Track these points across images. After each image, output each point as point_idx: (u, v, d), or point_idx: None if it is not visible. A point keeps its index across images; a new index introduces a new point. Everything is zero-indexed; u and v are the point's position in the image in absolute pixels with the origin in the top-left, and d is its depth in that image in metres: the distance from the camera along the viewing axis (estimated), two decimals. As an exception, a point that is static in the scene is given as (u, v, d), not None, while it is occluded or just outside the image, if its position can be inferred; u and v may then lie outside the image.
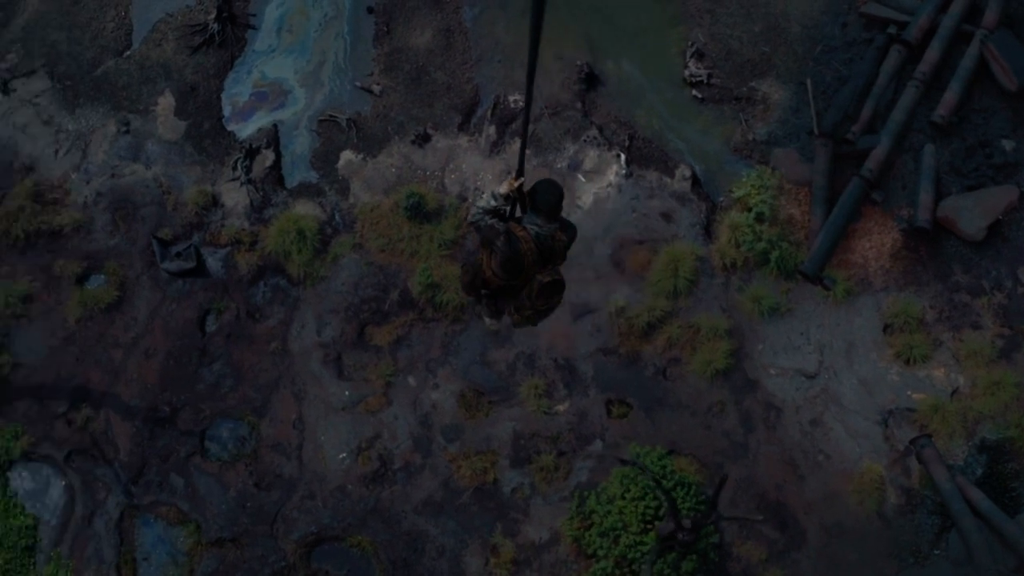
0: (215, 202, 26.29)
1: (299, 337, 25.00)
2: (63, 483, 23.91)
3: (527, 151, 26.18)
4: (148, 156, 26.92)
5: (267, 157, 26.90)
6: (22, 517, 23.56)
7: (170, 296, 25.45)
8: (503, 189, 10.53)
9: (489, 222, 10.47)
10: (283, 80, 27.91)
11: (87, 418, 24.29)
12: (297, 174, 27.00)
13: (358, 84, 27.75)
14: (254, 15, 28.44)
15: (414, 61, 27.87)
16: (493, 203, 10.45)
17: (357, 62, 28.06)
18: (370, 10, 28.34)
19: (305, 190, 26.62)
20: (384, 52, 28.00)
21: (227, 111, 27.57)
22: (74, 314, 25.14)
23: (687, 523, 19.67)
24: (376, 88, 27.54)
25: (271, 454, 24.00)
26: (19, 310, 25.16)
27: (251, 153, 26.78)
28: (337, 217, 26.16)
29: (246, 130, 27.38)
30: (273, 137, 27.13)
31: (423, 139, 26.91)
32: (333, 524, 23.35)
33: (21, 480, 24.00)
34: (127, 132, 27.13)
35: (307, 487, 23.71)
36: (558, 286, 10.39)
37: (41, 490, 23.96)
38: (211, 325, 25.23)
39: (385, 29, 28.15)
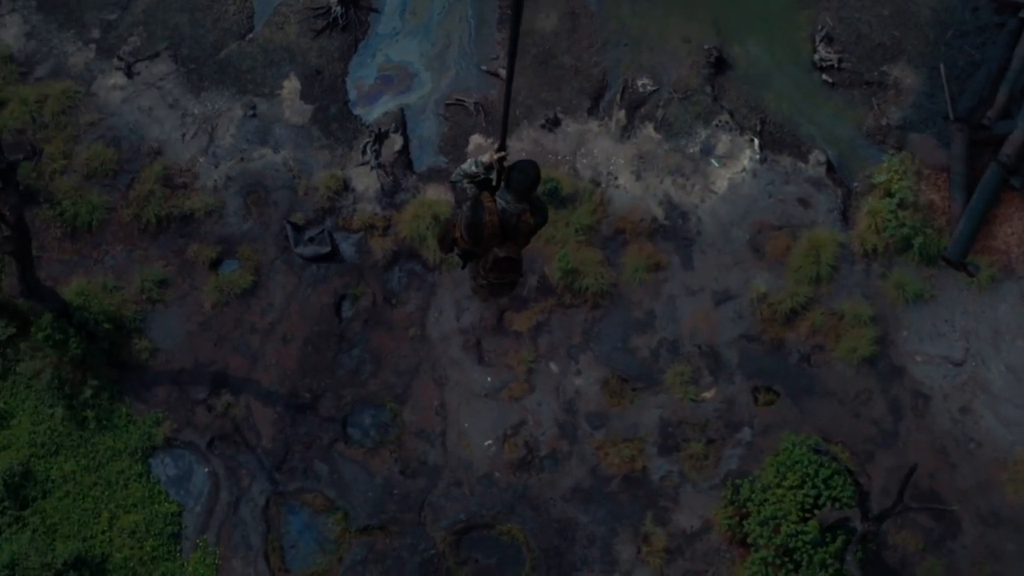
0: (346, 187, 26.07)
1: (437, 323, 24.81)
2: (206, 470, 23.78)
3: (659, 134, 25.93)
4: (276, 140, 26.69)
5: (396, 141, 26.67)
6: (167, 504, 23.43)
7: (305, 281, 25.26)
8: (485, 159, 10.60)
9: (465, 185, 10.52)
10: (408, 63, 27.63)
11: (228, 404, 24.14)
12: (425, 158, 26.76)
13: (484, 68, 27.48)
14: (377, -2, 28.15)
15: (540, 45, 27.57)
16: (475, 169, 10.50)
17: (482, 45, 27.78)
18: (495, -7, 28.02)
19: (435, 175, 26.38)
20: (509, 36, 27.63)
21: (352, 95, 27.32)
22: (210, 299, 24.97)
23: (870, 513, 19.49)
24: (503, 72, 27.22)
25: (415, 441, 23.84)
26: (155, 295, 24.99)
27: (380, 137, 26.53)
28: (469, 202, 25.86)
29: (372, 114, 27.13)
30: (400, 121, 26.88)
31: (553, 123, 26.65)
32: (481, 512, 23.21)
33: (164, 467, 23.88)
34: (254, 116, 26.90)
35: (453, 474, 23.56)
36: (512, 264, 10.26)
37: (184, 477, 23.83)
38: (347, 310, 25.04)
39: (510, 12, 27.74)
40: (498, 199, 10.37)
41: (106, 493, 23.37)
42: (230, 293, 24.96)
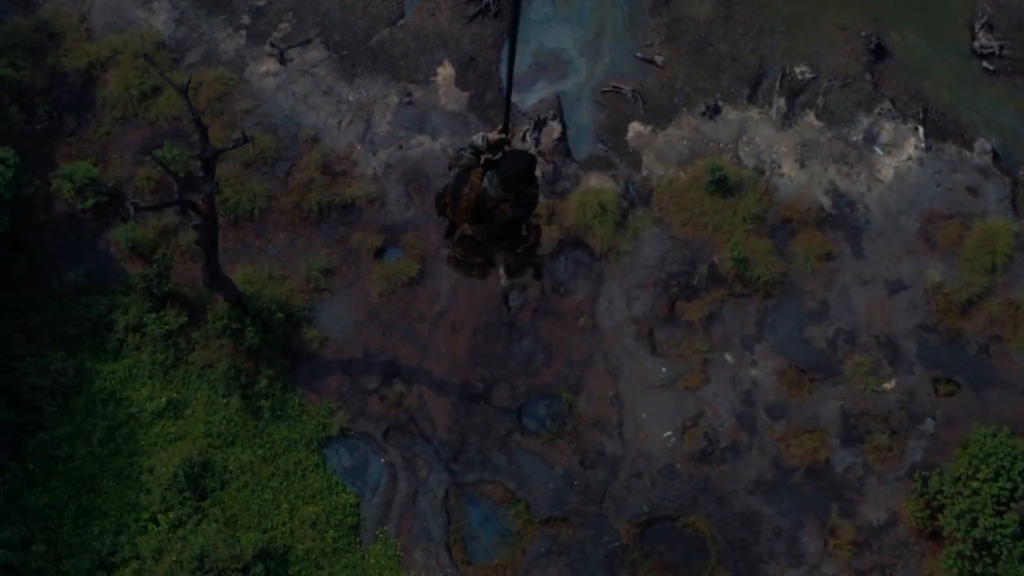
0: (507, 175, 25.74)
1: (608, 312, 24.59)
2: (382, 460, 23.62)
3: (820, 122, 25.64)
4: (433, 127, 26.43)
5: (554, 129, 26.39)
6: (344, 495, 23.27)
7: (471, 271, 24.97)
8: (492, 136, 10.32)
9: (467, 155, 10.27)
10: (562, 50, 27.34)
11: (400, 394, 23.95)
12: (584, 146, 26.50)
13: (639, 55, 27.17)
14: (526, -17, 27.78)
15: (695, 31, 27.26)
16: (480, 143, 10.20)
17: (635, 32, 27.47)
18: (645, -21, 27.67)
19: (595, 162, 26.12)
20: (663, 22, 27.38)
21: (505, 81, 26.92)
22: (377, 288, 24.75)
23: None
24: (659, 59, 26.95)
25: (592, 431, 23.65)
26: (321, 283, 24.78)
27: (539, 125, 26.25)
28: (631, 190, 25.68)
29: (528, 100, 26.86)
30: (557, 108, 26.59)
31: (713, 111, 26.36)
32: (664, 504, 23.03)
33: (339, 457, 23.71)
34: (410, 103, 26.63)
35: (632, 465, 23.37)
36: (476, 246, 9.91)
37: (360, 467, 23.67)
38: (515, 300, 24.76)
39: (664, -1, 27.51)
40: (485, 179, 10.06)
41: (284, 484, 23.21)
42: (396, 282, 24.73)
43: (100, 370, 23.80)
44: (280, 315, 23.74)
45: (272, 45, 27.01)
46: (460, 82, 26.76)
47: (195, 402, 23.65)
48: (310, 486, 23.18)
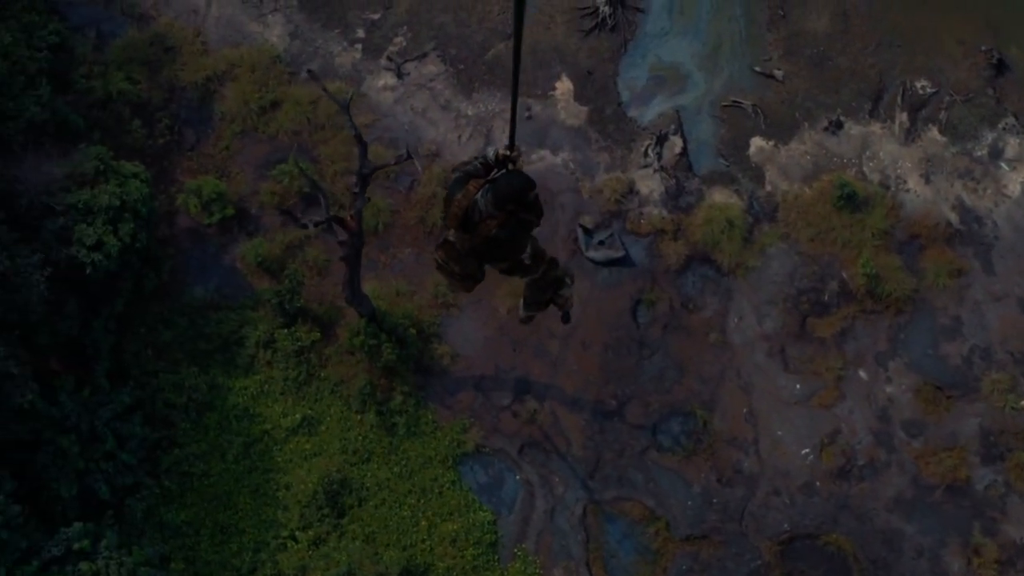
0: (630, 189, 25.71)
1: (738, 328, 24.49)
2: (518, 477, 23.51)
3: (944, 137, 25.55)
4: (554, 141, 26.34)
5: (675, 144, 26.31)
6: (482, 512, 23.18)
7: (598, 285, 24.94)
8: (499, 151, 10.16)
9: (476, 164, 10.12)
10: (680, 64, 27.26)
11: (533, 410, 23.86)
12: (704, 160, 26.41)
13: (757, 69, 27.09)
14: (642, -3, 27.75)
15: (814, 46, 27.18)
16: (491, 157, 10.06)
17: (753, 46, 27.38)
18: (761, -7, 27.60)
19: (717, 178, 26.04)
20: (781, 36, 27.31)
21: (625, 96, 26.96)
22: (505, 304, 24.65)
23: None
24: (778, 73, 26.88)
25: (727, 448, 23.55)
26: (449, 299, 24.67)
27: (660, 139, 26.17)
28: (756, 206, 25.60)
29: (647, 115, 26.78)
30: (678, 123, 26.51)
31: (835, 126, 26.29)
32: (804, 521, 22.93)
33: (474, 474, 23.60)
34: (529, 117, 26.55)
35: (771, 483, 23.27)
36: (454, 254, 9.78)
37: (495, 484, 23.57)
38: (643, 316, 24.72)
39: (780, 13, 27.43)
40: (480, 192, 9.93)
41: (422, 501, 23.11)
42: (525, 298, 24.55)
43: (232, 386, 23.70)
44: (413, 331, 23.65)
45: (389, 59, 26.95)
46: (579, 96, 26.68)
47: (328, 418, 23.55)
48: (447, 503, 23.08)
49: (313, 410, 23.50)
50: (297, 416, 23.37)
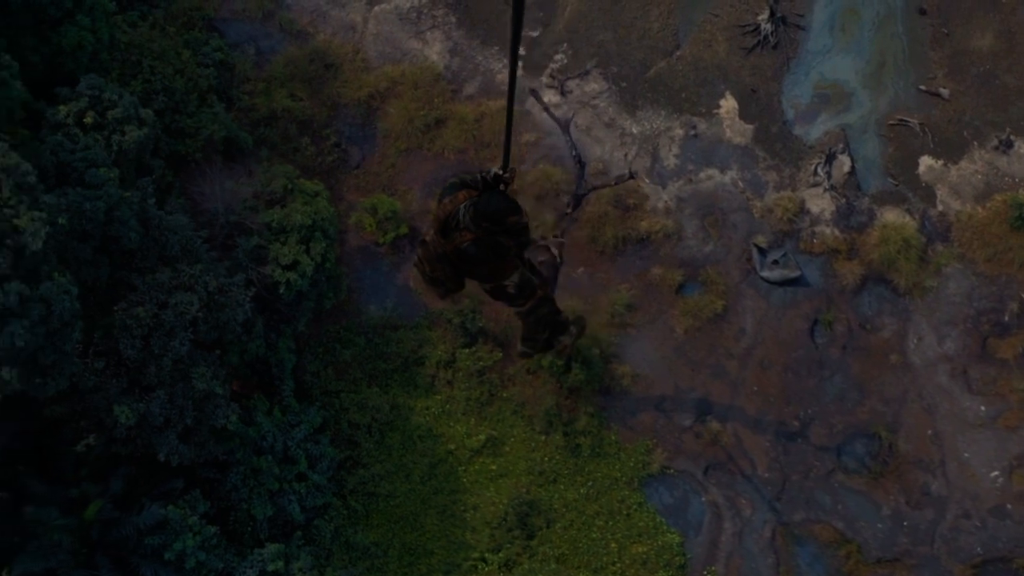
0: (801, 208, 25.59)
1: (918, 350, 24.33)
2: (703, 499, 23.36)
3: None
4: (721, 160, 26.23)
5: (844, 163, 26.17)
6: (669, 534, 23.04)
7: (773, 305, 24.81)
8: (494, 171, 10.07)
9: (476, 177, 10.01)
10: (844, 82, 27.12)
11: (716, 431, 23.72)
12: (873, 180, 26.26)
13: (922, 88, 26.93)
14: (802, 15, 27.62)
15: (979, 64, 27.02)
16: (489, 174, 9.93)
17: (916, 64, 27.23)
18: (922, 11, 27.46)
19: (887, 197, 25.88)
20: (945, 55, 27.15)
21: (790, 114, 26.82)
22: (681, 324, 24.54)
23: None
24: (944, 91, 26.73)
25: (914, 470, 23.39)
26: (626, 319, 24.56)
27: (829, 158, 26.05)
28: (928, 225, 25.43)
29: (812, 134, 26.64)
30: (845, 142, 26.38)
31: (1006, 145, 26.14)
32: (997, 545, 22.75)
33: (659, 496, 23.46)
34: (695, 135, 26.44)
35: (960, 506, 23.09)
36: (428, 255, 9.65)
37: (680, 506, 23.42)
38: (821, 336, 24.57)
39: (943, 31, 27.28)
40: (464, 204, 9.80)
41: (610, 523, 22.98)
42: (700, 318, 24.51)
43: (413, 406, 23.61)
44: (597, 351, 23.54)
45: (551, 77, 26.85)
46: (744, 114, 26.57)
47: (512, 439, 23.44)
48: (635, 525, 22.95)
49: (496, 430, 23.39)
50: (481, 436, 23.27)
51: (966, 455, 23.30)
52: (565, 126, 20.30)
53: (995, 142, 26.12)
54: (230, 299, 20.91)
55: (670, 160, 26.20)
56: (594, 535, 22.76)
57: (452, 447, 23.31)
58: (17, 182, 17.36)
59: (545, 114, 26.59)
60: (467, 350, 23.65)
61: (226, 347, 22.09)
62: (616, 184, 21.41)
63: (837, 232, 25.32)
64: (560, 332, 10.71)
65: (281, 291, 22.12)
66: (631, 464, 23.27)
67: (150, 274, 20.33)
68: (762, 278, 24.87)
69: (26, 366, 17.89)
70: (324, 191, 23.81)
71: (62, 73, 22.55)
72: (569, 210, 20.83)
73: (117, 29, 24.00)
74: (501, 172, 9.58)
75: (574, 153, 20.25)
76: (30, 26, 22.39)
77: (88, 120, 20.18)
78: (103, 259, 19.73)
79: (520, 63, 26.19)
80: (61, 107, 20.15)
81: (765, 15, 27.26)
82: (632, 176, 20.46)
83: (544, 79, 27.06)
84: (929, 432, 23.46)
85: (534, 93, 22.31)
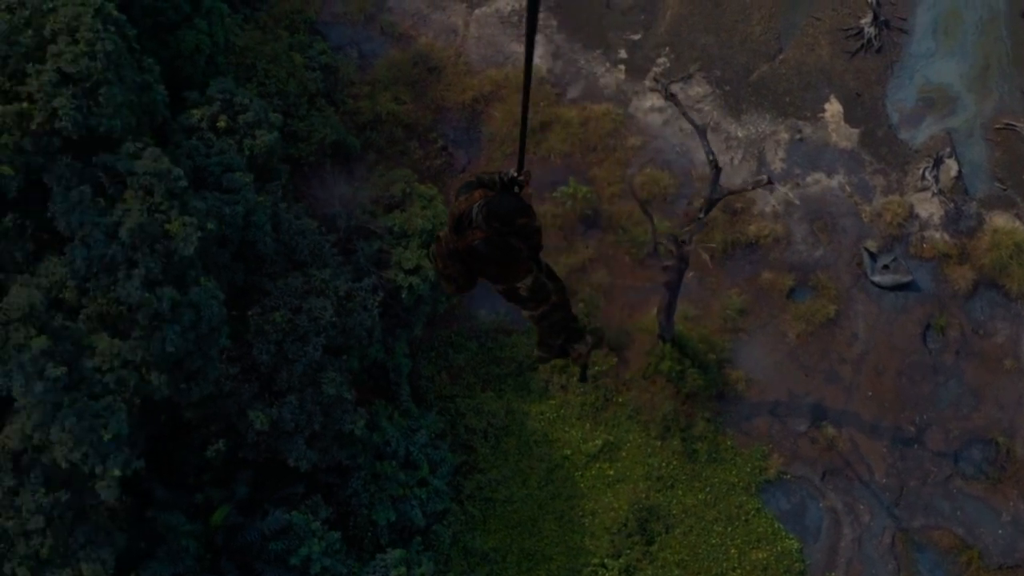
0: (910, 213, 25.46)
1: (1033, 355, 24.19)
2: (821, 504, 23.26)
3: None
4: (828, 164, 26.12)
5: (951, 167, 26.03)
6: (788, 540, 22.94)
7: (885, 310, 24.69)
8: (510, 172, 10.04)
9: (494, 177, 9.95)
10: (948, 85, 26.96)
11: (831, 437, 23.62)
12: (979, 184, 26.12)
13: (1027, 91, 26.76)
14: (904, 18, 27.49)
15: (1084, 67, 26.84)
16: (506, 175, 9.87)
17: (1021, 67, 27.06)
18: (1025, 14, 27.31)
19: (996, 201, 25.75)
20: (1050, 57, 26.99)
21: (894, 117, 26.69)
22: (793, 329, 24.44)
23: None
24: (1050, 95, 26.53)
25: (1033, 477, 23.23)
26: (738, 324, 24.47)
27: (936, 162, 25.91)
28: (1039, 230, 25.27)
29: (918, 137, 26.50)
30: (951, 146, 26.23)
31: (1115, 149, 25.92)
32: (1121, 551, 22.57)
33: (776, 501, 23.37)
34: (800, 140, 26.34)
35: (1082, 512, 22.93)
36: (439, 247, 9.68)
37: (798, 512, 23.32)
38: (933, 341, 24.44)
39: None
40: (483, 203, 9.81)
41: (729, 528, 22.90)
42: (813, 323, 24.41)
43: (528, 411, 23.58)
44: (713, 357, 23.47)
45: (655, 80, 26.75)
46: (849, 118, 26.47)
47: (628, 444, 23.38)
48: (754, 531, 22.86)
49: (612, 436, 23.35)
50: (598, 441, 23.22)
51: (1086, 462, 23.14)
52: (703, 131, 20.25)
53: (1105, 146, 25.90)
54: (357, 304, 20.91)
55: (776, 164, 26.10)
56: (713, 541, 22.68)
57: (568, 452, 23.27)
58: (168, 187, 17.40)
59: (649, 117, 26.54)
60: (581, 355, 23.52)
61: (348, 352, 22.08)
62: (752, 189, 21.35)
63: (947, 237, 25.19)
64: (575, 339, 10.77)
65: (403, 296, 22.11)
66: (748, 469, 23.18)
67: (281, 279, 20.35)
68: (873, 283, 24.77)
69: (174, 371, 17.92)
70: (439, 195, 23.79)
71: (180, 77, 22.58)
72: (701, 215, 20.75)
73: (231, 32, 24.03)
74: (516, 174, 9.71)
75: (711, 158, 20.17)
76: (149, 30, 22.44)
77: (221, 124, 20.21)
78: (239, 264, 19.76)
79: (622, 66, 26.21)
80: (194, 111, 20.18)
81: (868, 19, 27.15)
82: (770, 181, 20.38)
83: (647, 83, 26.99)
84: (1047, 438, 23.31)
85: (672, 97, 22.28)
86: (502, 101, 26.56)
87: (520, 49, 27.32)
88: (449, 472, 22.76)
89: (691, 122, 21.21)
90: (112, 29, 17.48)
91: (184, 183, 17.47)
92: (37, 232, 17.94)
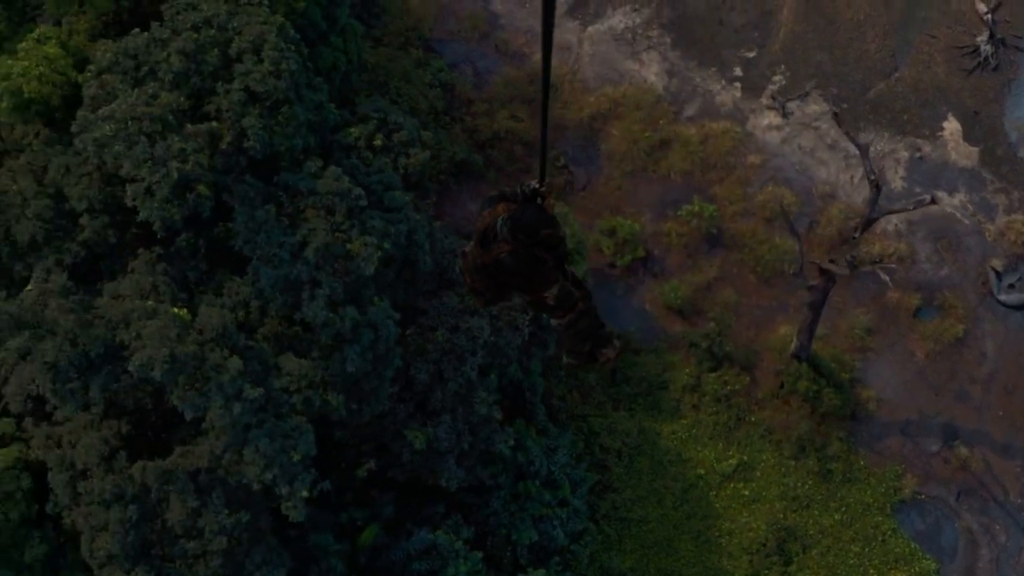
0: (1037, 233, 25.47)
1: None
2: (956, 525, 23.18)
3: None
4: (948, 183, 26.10)
5: (1073, 186, 26.03)
6: (925, 561, 22.86)
7: (1012, 329, 24.67)
8: (532, 184, 10.16)
9: (516, 190, 10.08)
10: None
11: (964, 457, 23.55)
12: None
13: None
14: (1020, 37, 27.51)
15: None
16: (528, 188, 9.98)
17: None
18: None
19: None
20: None
21: (1013, 136, 26.70)
22: (921, 348, 24.40)
23: None
24: None
25: None
26: (865, 343, 24.42)
27: (1065, 178, 25.92)
28: None
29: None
30: (1077, 166, 26.25)
31: None
32: None
33: (911, 521, 23.29)
34: (920, 158, 26.33)
35: None
36: (467, 262, 9.83)
37: (932, 532, 23.25)
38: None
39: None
40: (503, 217, 9.94)
41: (866, 549, 22.82)
42: (941, 342, 24.36)
43: (660, 431, 23.49)
44: (846, 376, 23.42)
45: (772, 98, 26.78)
46: (968, 136, 26.46)
47: (762, 464, 23.31)
48: (891, 551, 22.79)
49: (746, 455, 23.25)
50: (732, 461, 23.14)
51: None
52: (864, 150, 20.22)
53: None
54: (506, 323, 20.85)
55: (897, 183, 26.09)
56: (851, 561, 22.60)
57: (702, 472, 23.20)
58: (350, 206, 17.35)
59: (768, 135, 26.56)
60: (713, 374, 23.55)
61: (490, 371, 22.01)
62: (913, 209, 21.30)
63: (1068, 255, 25.14)
64: (602, 345, 10.84)
65: (542, 315, 21.99)
66: (882, 489, 23.12)
67: (436, 297, 20.29)
68: (999, 302, 24.71)
69: (349, 392, 17.85)
70: (569, 213, 23.76)
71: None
72: (857, 234, 20.72)
73: (364, 50, 24.02)
74: (538, 186, 9.84)
75: (872, 177, 20.16)
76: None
77: (377, 142, 20.18)
78: (400, 283, 19.70)
79: (738, 84, 26.21)
80: (352, 129, 20.13)
81: (984, 36, 27.17)
82: (933, 201, 20.34)
83: (764, 100, 26.99)
84: None
85: (835, 116, 22.29)
86: (620, 119, 26.56)
87: (635, 67, 27.37)
88: (586, 492, 22.66)
89: (853, 141, 21.20)
90: (292, 48, 17.44)
91: (364, 202, 17.42)
92: (209, 250, 17.89)
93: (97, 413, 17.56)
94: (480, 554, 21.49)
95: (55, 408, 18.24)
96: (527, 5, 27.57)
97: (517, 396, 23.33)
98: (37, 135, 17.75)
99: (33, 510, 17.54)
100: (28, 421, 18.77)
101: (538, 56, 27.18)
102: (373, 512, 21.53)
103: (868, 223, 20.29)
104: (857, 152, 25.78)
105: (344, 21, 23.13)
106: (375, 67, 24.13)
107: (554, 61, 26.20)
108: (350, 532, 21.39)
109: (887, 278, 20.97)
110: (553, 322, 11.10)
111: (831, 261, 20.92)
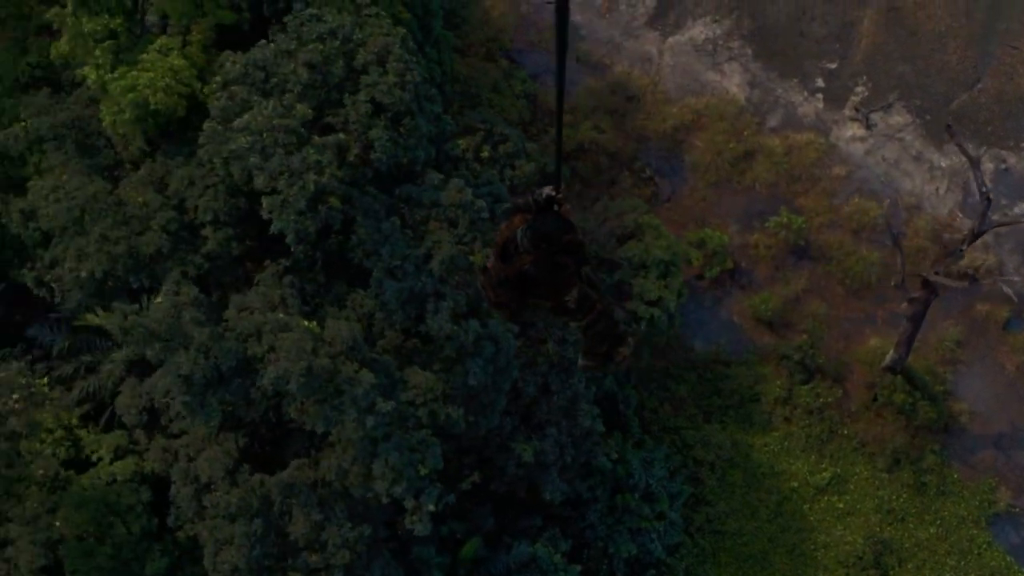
0: (1124, 245, 25.35)
1: None
2: (1052, 539, 23.06)
3: None
4: (1035, 195, 26.02)
5: None
6: (1021, 575, 22.71)
7: (1105, 343, 24.54)
8: (546, 191, 10.08)
9: (529, 200, 9.98)
10: None
11: (1059, 471, 23.41)
12: None
13: None
14: (1102, 48, 27.41)
15: None
16: (541, 196, 9.89)
17: None
18: None
19: None
20: None
21: (1097, 149, 26.59)
22: (1012, 360, 24.30)
23: None
24: None
25: None
26: (955, 355, 24.32)
27: None
28: None
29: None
30: None
31: None
32: None
33: (1006, 535, 23.17)
34: (1006, 169, 26.24)
35: None
36: (488, 277, 9.76)
37: (1027, 545, 23.13)
38: None
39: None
40: (522, 228, 9.88)
41: (962, 563, 22.72)
42: (1030, 354, 24.25)
43: (752, 443, 23.41)
44: (940, 387, 23.33)
45: (855, 109, 26.72)
46: (1054, 149, 26.33)
47: (856, 476, 23.22)
48: (987, 565, 22.69)
49: (839, 468, 23.17)
50: (826, 474, 23.05)
51: None
52: (976, 162, 20.15)
53: None
54: (611, 335, 20.75)
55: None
56: (947, 575, 22.45)
57: (795, 484, 23.11)
58: (472, 218, 17.32)
59: (852, 146, 26.50)
60: (805, 387, 23.49)
61: (589, 384, 21.94)
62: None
63: None
64: (619, 344, 10.81)
65: (643, 327, 21.99)
66: (976, 503, 23.03)
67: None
68: (1089, 315, 24.58)
69: (467, 405, 17.80)
70: (662, 225, 23.71)
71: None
72: (964, 246, 20.64)
73: (456, 61, 24.02)
74: (554, 193, 9.82)
75: (984, 190, 20.09)
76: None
77: (484, 154, 20.17)
78: (507, 295, 19.60)
79: (820, 95, 26.16)
80: (460, 141, 20.11)
81: (1062, 50, 27.07)
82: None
83: (847, 111, 26.93)
84: None
85: (949, 129, 22.24)
86: (703, 130, 26.52)
87: (717, 78, 27.33)
88: (681, 505, 22.59)
89: (964, 153, 21.16)
90: (415, 59, 17.44)
91: (486, 214, 17.39)
92: (326, 263, 17.87)
93: (214, 426, 17.54)
94: (578, 567, 21.41)
95: (170, 421, 18.29)
96: (607, 16, 27.56)
97: (611, 408, 23.26)
98: (157, 147, 17.77)
99: (153, 523, 17.53)
100: (139, 433, 18.80)
101: (619, 67, 27.23)
102: (472, 525, 21.46)
103: (976, 235, 20.21)
104: (941, 164, 25.75)
105: (438, 32, 23.15)
106: (467, 79, 24.11)
107: (635, 72, 26.23)
108: (450, 545, 21.32)
109: (1010, 291, 20.84)
110: (573, 325, 11.12)
111: (936, 273, 20.81)
